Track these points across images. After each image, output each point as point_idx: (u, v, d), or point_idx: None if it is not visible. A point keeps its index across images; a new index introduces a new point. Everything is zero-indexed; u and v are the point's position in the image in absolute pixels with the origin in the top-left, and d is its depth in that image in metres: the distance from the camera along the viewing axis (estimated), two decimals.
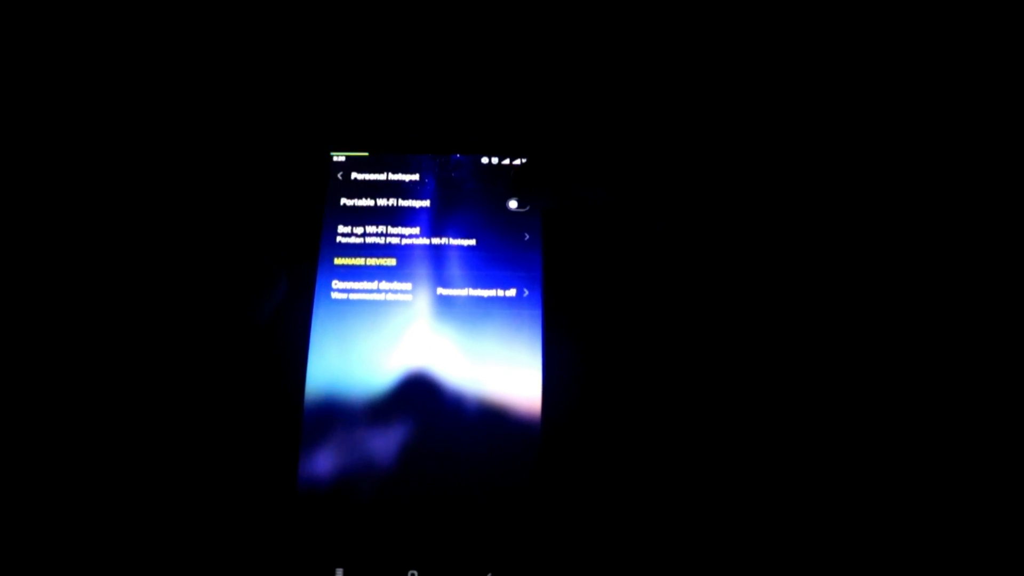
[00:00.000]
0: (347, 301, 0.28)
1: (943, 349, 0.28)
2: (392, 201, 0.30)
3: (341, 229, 0.29)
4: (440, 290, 0.28)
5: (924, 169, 0.29)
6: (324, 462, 0.27)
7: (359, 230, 0.29)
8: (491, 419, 0.27)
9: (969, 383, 0.27)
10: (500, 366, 0.28)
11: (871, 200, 0.29)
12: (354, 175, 0.30)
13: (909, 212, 0.29)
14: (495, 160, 0.30)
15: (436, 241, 0.29)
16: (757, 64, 0.31)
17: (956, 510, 0.26)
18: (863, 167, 0.30)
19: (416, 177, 0.30)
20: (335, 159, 0.30)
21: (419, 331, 0.28)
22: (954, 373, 0.28)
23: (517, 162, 0.30)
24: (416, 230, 0.29)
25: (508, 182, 0.29)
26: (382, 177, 0.30)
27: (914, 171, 0.30)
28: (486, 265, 0.29)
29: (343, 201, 0.30)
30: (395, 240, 0.29)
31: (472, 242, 0.29)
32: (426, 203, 0.30)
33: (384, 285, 0.29)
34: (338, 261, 0.29)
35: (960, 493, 0.26)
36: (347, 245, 0.29)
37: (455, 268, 0.29)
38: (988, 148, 0.30)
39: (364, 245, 0.29)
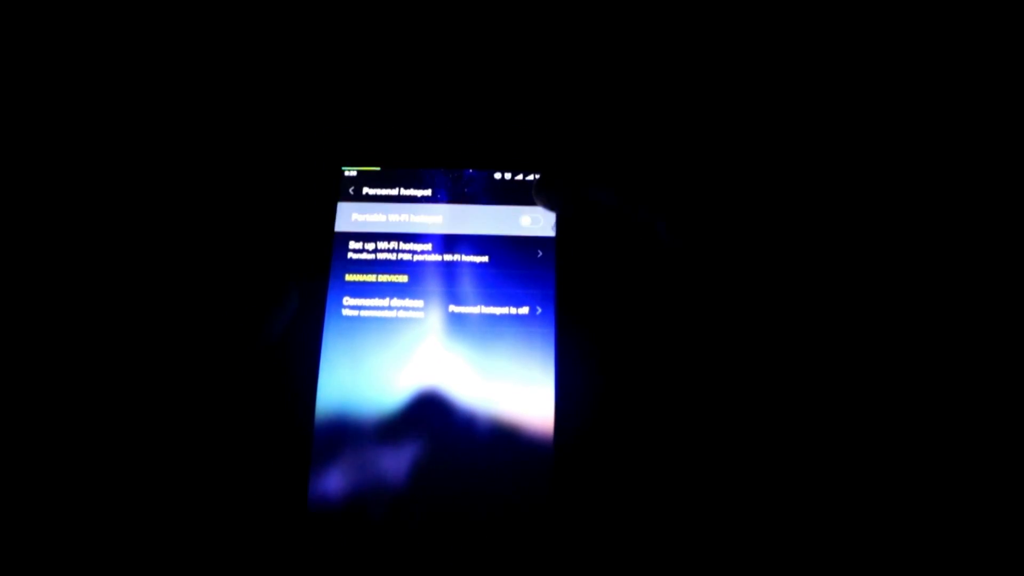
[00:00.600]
0: (358, 318, 0.28)
1: (952, 351, 0.28)
2: (404, 217, 0.29)
3: (352, 245, 0.29)
4: (452, 307, 0.28)
5: (921, 165, 0.29)
6: (335, 481, 0.26)
7: (371, 246, 0.29)
8: (503, 438, 0.27)
9: (973, 391, 0.27)
10: (512, 385, 0.27)
11: (872, 203, 0.29)
12: (366, 190, 0.30)
13: (909, 209, 0.29)
14: (508, 175, 0.30)
15: (448, 258, 0.29)
16: (754, 70, 0.31)
17: (962, 514, 0.26)
18: (859, 175, 0.30)
19: (428, 192, 0.30)
20: (347, 174, 0.30)
21: (431, 349, 0.28)
22: (962, 380, 0.27)
23: (531, 177, 0.30)
24: (428, 246, 0.29)
25: (523, 196, 0.29)
26: (394, 192, 0.30)
27: (912, 166, 0.29)
28: (499, 282, 0.28)
29: (355, 216, 0.29)
30: (407, 256, 0.29)
31: (485, 259, 0.29)
32: (438, 219, 0.29)
33: (396, 302, 0.28)
34: (349, 278, 0.29)
35: (965, 497, 0.26)
36: (358, 261, 0.29)
37: (467, 285, 0.28)
38: (988, 150, 0.29)
39: (375, 261, 0.29)
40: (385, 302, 0.28)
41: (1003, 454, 0.27)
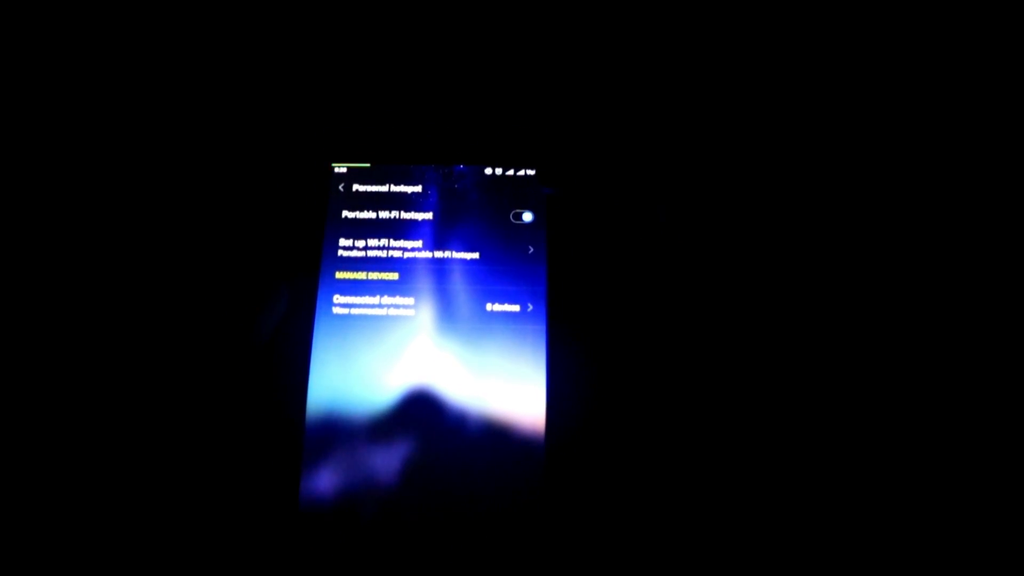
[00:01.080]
0: (349, 316, 0.28)
1: (952, 350, 0.27)
2: (394, 213, 0.29)
3: (343, 242, 0.29)
4: (443, 305, 0.28)
5: (905, 144, 0.29)
6: (326, 480, 0.26)
7: (361, 243, 0.29)
8: (494, 436, 0.27)
9: (968, 381, 0.27)
10: (503, 382, 0.27)
11: (867, 193, 0.29)
12: (356, 187, 0.30)
13: (898, 193, 0.29)
14: (499, 171, 0.29)
15: (439, 254, 0.29)
16: (749, 61, 0.31)
17: (956, 510, 0.26)
18: (858, 170, 0.29)
19: (419, 189, 0.29)
20: (336, 170, 0.30)
21: (422, 347, 0.28)
22: (955, 370, 0.27)
23: (523, 173, 0.29)
24: (419, 243, 0.29)
25: (513, 192, 0.29)
26: (384, 189, 0.30)
27: (896, 146, 0.29)
28: (490, 279, 0.28)
29: (344, 213, 0.29)
30: (397, 253, 0.29)
31: (475, 255, 0.28)
32: (429, 215, 0.29)
33: (386, 300, 0.28)
34: (339, 275, 0.28)
35: (960, 493, 0.26)
36: (349, 259, 0.29)
37: (458, 282, 0.28)
38: (988, 148, 0.29)
39: (366, 259, 0.29)
40: (376, 300, 0.28)
41: (996, 445, 0.26)
